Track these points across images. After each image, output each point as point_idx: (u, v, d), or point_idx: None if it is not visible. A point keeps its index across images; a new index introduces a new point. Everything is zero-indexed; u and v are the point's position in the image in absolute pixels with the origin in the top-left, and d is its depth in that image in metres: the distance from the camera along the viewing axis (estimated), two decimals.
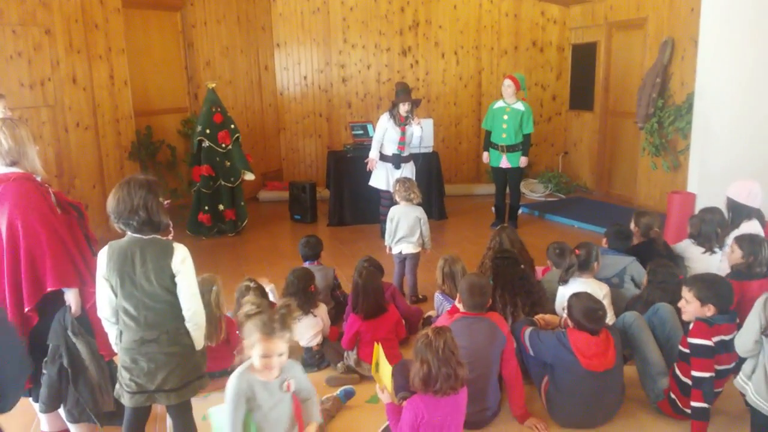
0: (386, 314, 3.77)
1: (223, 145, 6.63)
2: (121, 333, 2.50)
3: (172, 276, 2.44)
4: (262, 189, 8.81)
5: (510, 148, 6.62)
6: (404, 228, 4.73)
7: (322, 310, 3.94)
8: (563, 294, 3.68)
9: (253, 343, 2.38)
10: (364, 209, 7.03)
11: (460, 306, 3.26)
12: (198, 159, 6.64)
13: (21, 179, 2.65)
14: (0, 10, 5.51)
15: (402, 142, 6.08)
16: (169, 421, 2.82)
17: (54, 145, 6.02)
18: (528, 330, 3.28)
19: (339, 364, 3.78)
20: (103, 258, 2.44)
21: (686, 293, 3.05)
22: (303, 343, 3.77)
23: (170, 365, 2.48)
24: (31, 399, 2.93)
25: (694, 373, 2.88)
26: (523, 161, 6.66)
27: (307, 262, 4.49)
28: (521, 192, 7.57)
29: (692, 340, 2.91)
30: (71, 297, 2.72)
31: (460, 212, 7.80)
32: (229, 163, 6.71)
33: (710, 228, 4.17)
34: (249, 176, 6.92)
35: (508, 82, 6.57)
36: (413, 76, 9.10)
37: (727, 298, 2.96)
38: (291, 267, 4.13)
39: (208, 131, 6.56)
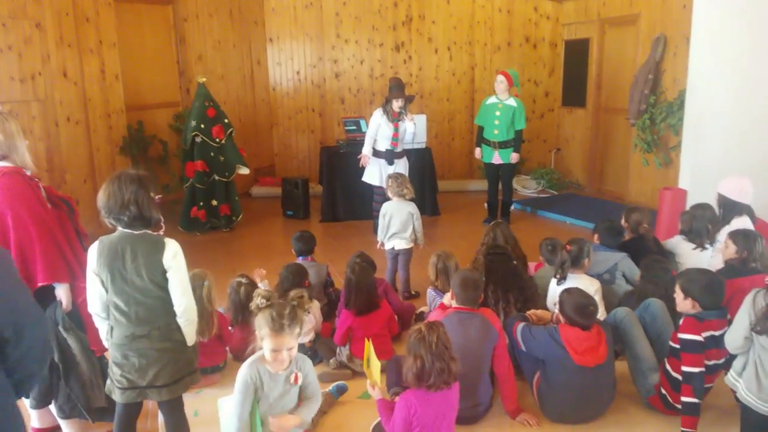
0: (379, 310, 3.77)
1: (217, 140, 6.61)
2: (112, 329, 2.49)
3: (164, 271, 2.43)
4: (254, 184, 8.79)
5: (502, 144, 6.63)
6: (397, 224, 4.73)
7: (315, 306, 3.94)
8: (555, 290, 3.69)
9: (262, 337, 2.44)
10: (357, 205, 7.02)
11: (452, 302, 3.27)
12: (191, 154, 6.59)
13: (11, 173, 2.63)
14: None
15: (395, 138, 6.08)
16: (160, 417, 2.81)
17: (44, 140, 5.97)
18: (520, 326, 3.29)
19: (331, 360, 3.78)
20: (93, 253, 2.42)
21: (677, 285, 3.09)
22: None
23: (162, 361, 2.47)
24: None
25: (684, 368, 2.90)
26: (514, 157, 6.67)
27: (301, 258, 4.48)
28: (513, 188, 7.58)
29: (682, 336, 2.93)
30: (62, 292, 2.71)
31: (453, 208, 7.81)
32: (223, 158, 6.69)
33: (701, 224, 4.20)
34: (243, 170, 6.91)
35: (501, 78, 6.57)
36: (406, 71, 9.09)
37: (711, 294, 2.96)
38: (284, 263, 4.12)
39: (202, 126, 6.53)
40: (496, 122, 6.59)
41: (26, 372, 1.68)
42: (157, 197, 2.45)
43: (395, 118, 6.04)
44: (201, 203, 6.66)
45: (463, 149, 9.43)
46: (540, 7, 9.15)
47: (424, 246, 4.98)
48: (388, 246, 4.81)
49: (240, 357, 3.67)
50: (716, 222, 4.20)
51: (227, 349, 3.80)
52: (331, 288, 4.52)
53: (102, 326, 2.53)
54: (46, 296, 2.70)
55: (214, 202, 6.75)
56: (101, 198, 2.39)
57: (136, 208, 2.36)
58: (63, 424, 2.95)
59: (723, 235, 4.04)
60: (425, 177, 7.37)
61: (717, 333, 2.91)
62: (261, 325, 2.44)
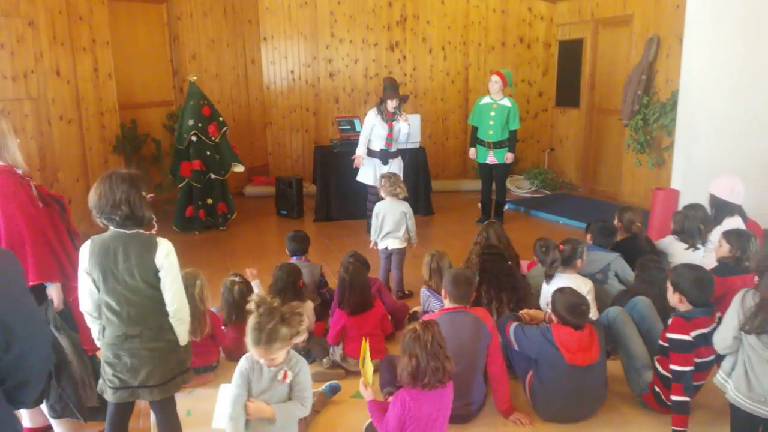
0: (372, 309, 3.78)
1: (213, 138, 6.61)
2: (104, 328, 2.48)
3: (156, 271, 2.42)
4: (248, 184, 8.77)
5: (496, 145, 6.64)
6: (390, 223, 4.73)
7: (309, 306, 3.93)
8: (547, 289, 3.70)
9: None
10: (351, 204, 7.02)
11: (446, 302, 3.27)
12: (187, 153, 6.56)
13: (2, 172, 2.62)
14: None
15: (389, 138, 6.07)
16: (152, 417, 2.81)
17: (37, 139, 5.94)
18: (513, 325, 3.30)
19: (324, 360, 3.78)
20: (85, 252, 2.41)
21: (667, 280, 3.13)
22: None
23: (154, 361, 2.46)
24: None
25: (673, 367, 2.92)
26: (509, 157, 6.68)
27: (295, 258, 4.48)
28: (507, 188, 7.60)
29: (670, 335, 2.95)
30: (53, 291, 2.70)
31: (447, 208, 7.82)
32: (218, 156, 6.69)
33: (693, 224, 4.22)
34: (238, 168, 6.92)
35: (495, 78, 6.58)
36: (401, 71, 9.09)
37: (699, 289, 2.98)
38: (277, 262, 4.11)
39: (199, 125, 6.52)
40: (491, 122, 6.60)
41: (18, 380, 1.60)
42: (149, 196, 2.44)
43: (389, 118, 6.04)
44: (200, 202, 6.66)
45: (457, 149, 9.44)
46: (534, 8, 9.17)
47: (418, 245, 4.99)
48: (381, 246, 4.81)
49: (233, 356, 3.67)
50: (708, 222, 4.23)
51: (220, 348, 3.80)
52: (324, 288, 4.52)
53: (94, 326, 2.51)
54: (38, 296, 2.69)
55: (210, 201, 6.75)
56: (92, 197, 2.37)
57: (127, 208, 2.35)
58: (55, 423, 2.94)
59: (715, 235, 4.07)
60: (419, 177, 7.38)
61: (706, 330, 2.93)
62: (246, 332, 2.41)
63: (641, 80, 7.19)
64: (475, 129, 6.79)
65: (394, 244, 4.76)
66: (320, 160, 7.33)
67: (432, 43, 9.13)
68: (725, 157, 5.31)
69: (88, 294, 2.44)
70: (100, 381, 2.55)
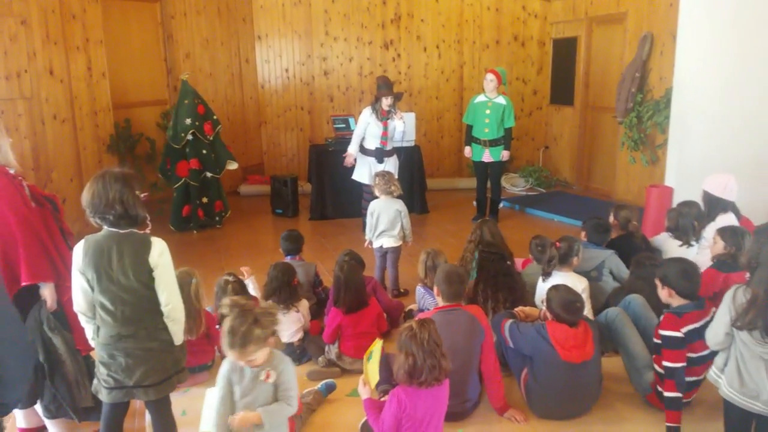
0: (367, 308, 3.78)
1: (208, 137, 6.62)
2: (98, 328, 2.47)
3: (150, 270, 2.41)
4: (243, 183, 8.76)
5: (492, 143, 6.65)
6: (385, 222, 4.73)
7: (304, 305, 3.93)
8: (543, 287, 3.71)
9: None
10: (346, 203, 7.02)
11: (439, 300, 3.27)
12: (183, 153, 6.53)
13: None
14: None
15: (384, 137, 6.07)
16: (147, 417, 2.80)
17: (30, 138, 5.92)
18: (508, 322, 3.31)
19: (320, 358, 3.78)
20: (78, 252, 2.40)
21: (656, 278, 3.15)
22: (284, 339, 3.76)
23: (149, 361, 2.45)
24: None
25: (666, 364, 2.93)
26: (505, 155, 6.69)
27: (289, 257, 4.47)
28: (502, 186, 7.61)
29: (662, 332, 2.97)
30: (47, 292, 2.69)
31: (442, 206, 7.82)
32: (214, 155, 6.70)
33: (687, 221, 4.24)
34: (232, 165, 6.94)
35: (490, 76, 6.58)
36: (395, 69, 9.09)
37: (686, 280, 3.00)
38: (272, 261, 4.11)
39: (196, 123, 6.51)
40: (486, 120, 6.60)
41: None
42: (142, 195, 2.43)
43: (384, 117, 6.04)
44: (197, 201, 6.66)
45: (452, 147, 9.45)
46: (528, 6, 9.18)
47: (413, 244, 4.99)
48: (376, 244, 4.81)
49: None
50: (702, 219, 4.24)
51: (215, 347, 3.79)
52: (320, 287, 4.52)
53: (88, 326, 2.50)
54: (32, 296, 2.69)
55: (205, 200, 6.75)
56: (86, 197, 2.36)
57: (121, 207, 2.34)
58: (49, 424, 2.93)
59: (708, 232, 4.08)
60: (414, 175, 7.39)
61: (698, 325, 2.95)
62: (221, 335, 2.40)
63: (635, 78, 7.21)
64: (469, 127, 6.79)
65: (389, 242, 4.77)
66: (315, 158, 7.33)
67: (426, 42, 9.13)
68: (719, 154, 5.33)
69: (82, 294, 2.43)
70: (95, 381, 2.54)
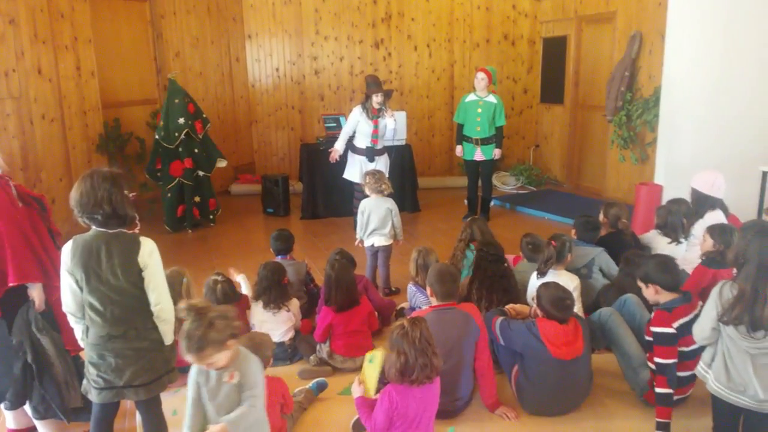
0: (359, 306, 3.78)
1: (199, 135, 6.61)
2: (87, 328, 2.45)
3: (139, 270, 2.40)
4: (234, 182, 8.74)
5: (484, 141, 6.67)
6: (375, 220, 4.73)
7: (294, 304, 3.93)
8: (534, 285, 3.72)
9: None
10: (338, 202, 7.02)
11: (432, 299, 3.28)
12: (176, 152, 6.51)
13: None
14: None
15: (375, 135, 6.07)
16: (138, 417, 2.79)
17: (19, 138, 5.87)
18: (499, 320, 3.32)
19: (311, 357, 3.78)
20: (67, 252, 2.39)
21: (638, 281, 3.18)
22: (275, 338, 3.74)
23: (139, 361, 2.44)
24: None
25: (658, 360, 2.95)
26: (497, 153, 6.72)
27: (280, 257, 4.47)
28: (493, 184, 7.64)
29: (654, 329, 2.99)
30: (35, 292, 2.67)
31: (433, 205, 7.84)
32: (205, 153, 6.70)
33: (676, 219, 4.26)
34: (222, 163, 6.96)
35: (481, 75, 6.60)
36: (386, 68, 9.09)
37: (666, 272, 3.05)
38: (264, 261, 4.10)
39: (189, 122, 6.49)
40: (478, 119, 6.62)
41: None
42: (131, 195, 2.42)
43: (375, 115, 6.04)
44: (192, 200, 6.66)
45: (443, 146, 9.46)
46: (518, 5, 9.20)
47: (404, 242, 5.00)
48: (367, 243, 4.81)
49: None
50: (691, 216, 4.27)
51: None
52: (312, 284, 4.53)
53: (77, 326, 2.49)
54: (20, 296, 2.67)
55: (198, 198, 6.73)
56: (74, 196, 2.35)
57: (109, 207, 2.33)
58: (38, 424, 2.92)
59: (697, 229, 4.11)
60: (405, 174, 7.39)
61: (688, 319, 2.97)
62: None
63: (624, 77, 7.25)
64: (460, 126, 6.80)
65: (380, 241, 4.77)
66: (306, 157, 7.32)
67: (417, 41, 9.14)
68: (707, 152, 5.38)
69: (71, 294, 2.41)
70: (84, 381, 2.52)
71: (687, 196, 4.36)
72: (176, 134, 6.44)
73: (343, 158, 6.34)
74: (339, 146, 6.19)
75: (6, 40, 5.72)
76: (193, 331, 2.28)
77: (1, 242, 2.56)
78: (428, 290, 3.31)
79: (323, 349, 3.77)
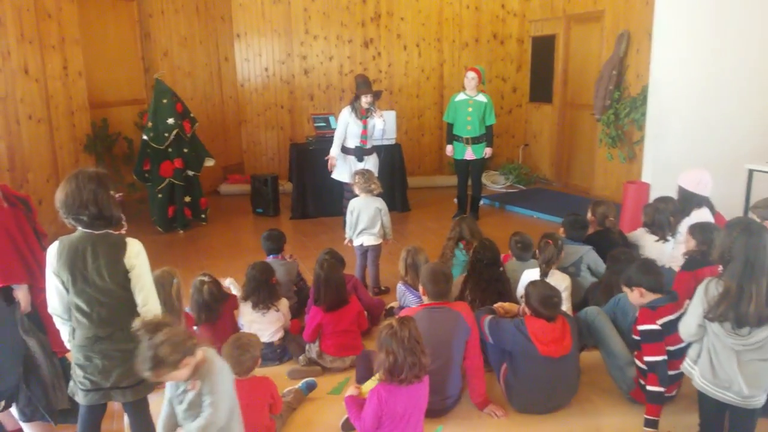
0: (348, 306, 3.78)
1: (188, 135, 6.58)
2: (74, 330, 2.44)
3: (126, 272, 2.38)
4: (223, 182, 8.71)
5: (475, 140, 6.69)
6: (365, 220, 4.73)
7: (284, 304, 3.92)
8: (524, 283, 3.73)
9: None
10: (327, 202, 7.01)
11: (425, 299, 3.28)
12: (166, 153, 6.47)
13: None
14: None
15: (364, 135, 6.07)
16: (126, 418, 2.78)
17: (5, 139, 5.82)
18: (487, 318, 3.33)
19: (301, 357, 3.78)
20: (53, 253, 2.37)
21: (622, 286, 3.21)
22: (265, 338, 3.74)
23: (126, 362, 2.41)
24: None
25: (647, 358, 2.98)
26: (487, 152, 6.74)
27: (271, 257, 4.46)
28: (483, 183, 7.66)
29: (640, 327, 3.01)
30: (20, 294, 2.65)
31: (423, 204, 7.85)
32: (194, 153, 6.69)
33: (663, 217, 4.29)
34: (210, 162, 6.95)
35: (471, 74, 6.62)
36: (375, 68, 9.09)
37: (648, 273, 3.07)
38: (254, 261, 4.09)
39: (178, 122, 6.46)
40: (468, 118, 6.63)
41: None
42: (117, 195, 2.40)
43: (364, 116, 6.03)
44: (185, 200, 6.64)
45: (433, 145, 9.48)
46: (507, 4, 9.23)
47: (394, 242, 5.00)
48: (356, 242, 4.81)
49: None
50: (678, 214, 4.30)
51: None
52: (302, 282, 4.52)
53: (63, 328, 2.47)
54: (6, 298, 2.65)
55: (188, 198, 6.71)
56: (59, 197, 2.33)
57: (95, 207, 2.31)
58: (25, 427, 2.89)
59: (684, 227, 4.14)
60: (395, 173, 7.40)
61: (673, 317, 2.99)
62: None
63: (612, 75, 7.29)
64: (450, 126, 6.81)
65: (369, 240, 4.77)
66: (296, 157, 7.31)
67: (406, 40, 9.14)
68: (694, 150, 5.42)
69: (57, 295, 2.40)
70: (71, 383, 2.51)
71: (674, 194, 4.38)
72: (166, 134, 6.41)
73: None
74: (334, 152, 6.13)
75: None
76: (144, 352, 2.22)
77: None
78: (421, 289, 3.31)
79: (313, 349, 3.77)
